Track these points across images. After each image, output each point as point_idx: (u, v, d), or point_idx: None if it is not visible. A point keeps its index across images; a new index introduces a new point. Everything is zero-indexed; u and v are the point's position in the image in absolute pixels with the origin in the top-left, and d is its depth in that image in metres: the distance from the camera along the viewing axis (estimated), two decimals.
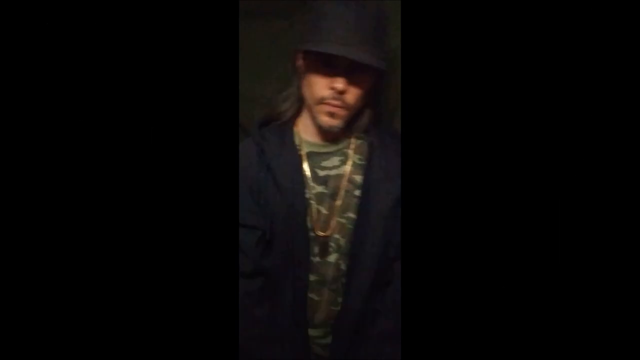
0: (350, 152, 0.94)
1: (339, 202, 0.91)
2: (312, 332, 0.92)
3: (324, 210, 0.91)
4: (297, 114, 0.95)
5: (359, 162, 0.93)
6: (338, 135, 0.93)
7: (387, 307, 0.91)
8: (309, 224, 0.90)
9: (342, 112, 0.88)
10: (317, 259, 0.91)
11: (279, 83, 1.20)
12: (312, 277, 0.91)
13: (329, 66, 0.84)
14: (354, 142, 0.94)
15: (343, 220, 0.91)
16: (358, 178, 0.93)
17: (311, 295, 0.91)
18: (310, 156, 0.93)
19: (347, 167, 0.93)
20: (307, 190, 0.91)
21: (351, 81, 0.85)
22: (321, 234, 0.90)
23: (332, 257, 0.91)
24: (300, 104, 0.93)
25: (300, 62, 0.89)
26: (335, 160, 0.93)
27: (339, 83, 0.84)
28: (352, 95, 0.86)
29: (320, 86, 0.86)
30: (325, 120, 0.88)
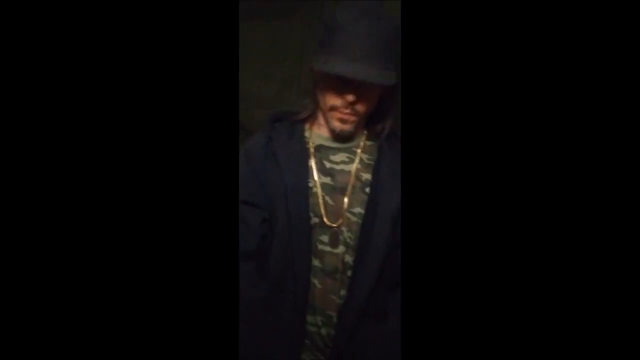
0: (359, 151, 0.97)
1: (346, 197, 0.94)
2: (309, 318, 0.93)
3: (330, 201, 0.93)
4: (311, 115, 0.99)
5: (367, 162, 0.97)
6: (349, 137, 0.97)
7: (397, 308, 0.90)
8: (312, 211, 0.93)
9: (353, 119, 0.93)
10: (327, 248, 0.93)
11: (279, 83, 1.21)
12: (315, 263, 0.93)
13: (340, 79, 0.87)
14: (363, 143, 0.98)
15: (350, 215, 0.93)
16: (366, 176, 0.96)
17: (313, 280, 0.92)
18: (319, 149, 0.97)
19: (355, 165, 0.96)
20: (310, 179, 0.94)
21: (362, 93, 0.90)
22: (330, 224, 0.92)
23: (339, 249, 0.92)
24: (315, 106, 0.98)
25: (314, 71, 0.93)
26: (342, 156, 0.97)
27: (350, 96, 0.89)
28: (363, 105, 0.91)
29: (332, 96, 0.91)
30: (337, 125, 0.94)
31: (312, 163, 0.96)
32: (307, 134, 0.99)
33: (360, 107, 0.91)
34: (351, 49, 0.85)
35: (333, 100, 0.91)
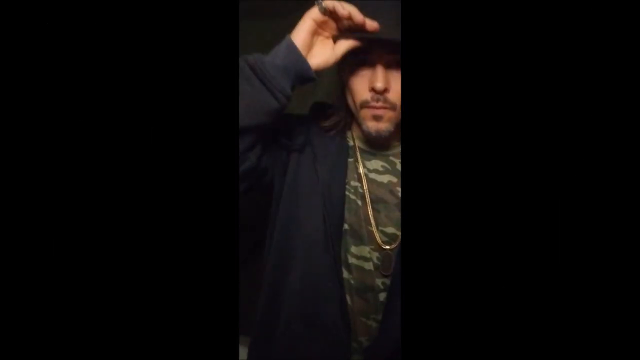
0: (397, 161, 0.86)
1: (377, 213, 0.84)
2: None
3: (361, 211, 0.83)
4: (341, 122, 0.88)
5: None
6: (389, 141, 0.86)
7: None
8: (346, 217, 0.83)
9: (388, 114, 0.81)
10: (356, 261, 0.83)
11: None
12: (345, 275, 0.83)
13: (366, 64, 0.80)
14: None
15: (379, 234, 0.83)
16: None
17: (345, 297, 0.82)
18: (356, 150, 0.87)
19: (389, 177, 0.85)
20: (347, 180, 0.84)
21: (392, 78, 0.80)
22: (382, 245, 0.82)
23: (369, 265, 0.83)
24: (345, 112, 0.87)
25: (341, 71, 0.85)
26: (377, 164, 0.86)
27: (379, 81, 0.78)
28: (396, 93, 0.80)
29: (361, 89, 0.81)
30: (372, 125, 0.82)
31: (349, 164, 0.85)
32: (348, 135, 0.88)
33: (393, 97, 0.80)
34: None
35: (362, 94, 0.80)
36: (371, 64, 0.80)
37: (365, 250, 0.84)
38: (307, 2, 1.17)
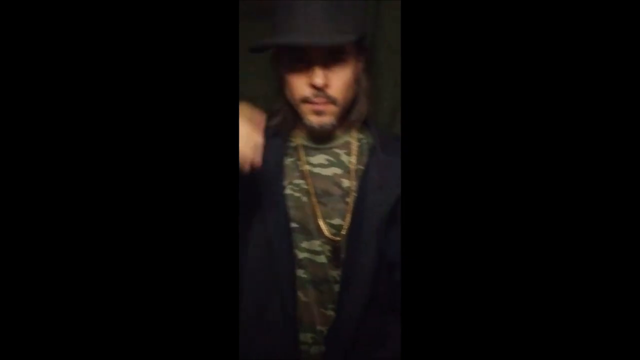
0: (342, 152, 0.88)
1: (321, 205, 0.85)
2: (301, 336, 0.86)
3: (307, 207, 0.85)
4: (285, 119, 0.88)
5: (350, 166, 0.87)
6: (333, 133, 0.87)
7: (396, 335, 0.83)
8: (291, 215, 0.84)
9: (330, 108, 0.82)
10: (308, 255, 0.85)
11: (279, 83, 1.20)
12: (300, 273, 0.85)
13: (303, 62, 0.79)
14: (352, 144, 0.88)
15: (326, 226, 0.85)
16: (347, 182, 0.86)
17: (299, 293, 0.85)
18: (297, 148, 0.87)
19: (335, 169, 0.87)
20: (287, 181, 0.85)
21: (331, 73, 0.80)
22: (331, 237, 0.84)
23: (321, 258, 0.85)
24: (287, 108, 0.87)
25: (276, 64, 0.84)
26: (321, 158, 0.88)
27: (318, 77, 0.78)
28: (336, 88, 0.81)
29: (300, 85, 0.81)
30: (313, 119, 0.82)
31: (289, 163, 0.86)
32: (291, 134, 0.88)
33: (334, 92, 0.80)
34: (304, 24, 0.76)
35: (302, 89, 0.80)
36: (308, 60, 0.79)
37: (316, 244, 0.86)
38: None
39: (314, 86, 0.79)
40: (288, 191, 0.86)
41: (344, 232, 0.85)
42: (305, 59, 0.79)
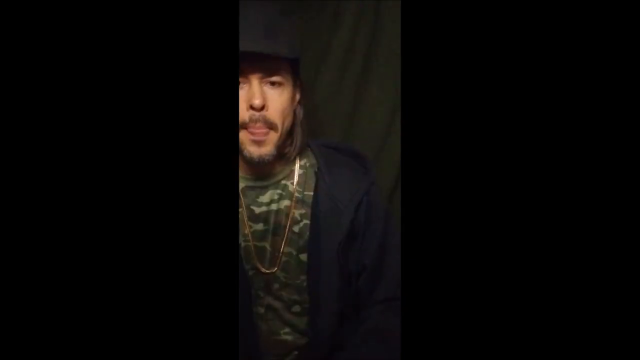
0: (289, 183, 0.88)
1: (279, 239, 0.87)
2: None
3: (268, 247, 0.87)
4: None
5: (299, 195, 0.87)
6: (274, 166, 0.86)
7: (356, 340, 0.86)
8: (250, 263, 0.86)
9: (269, 137, 0.80)
10: (261, 293, 0.88)
11: None
12: (260, 311, 0.88)
13: (242, 85, 0.78)
14: (295, 172, 0.88)
15: (285, 258, 0.87)
16: (299, 213, 0.87)
17: (259, 323, 0.88)
18: (245, 192, 0.86)
19: (286, 202, 0.87)
20: (242, 230, 0.85)
21: (269, 95, 0.79)
22: (264, 270, 0.87)
23: (277, 291, 0.88)
24: None
25: None
26: (272, 195, 0.87)
27: (256, 98, 0.77)
28: (274, 111, 0.79)
29: (240, 110, 0.78)
30: (253, 150, 0.80)
31: (243, 210, 0.85)
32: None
33: (272, 115, 0.79)
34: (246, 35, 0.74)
35: (241, 114, 0.78)
36: (247, 83, 0.79)
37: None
38: (307, 2, 1.17)
39: (252, 107, 0.78)
40: (246, 241, 0.87)
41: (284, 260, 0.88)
42: (245, 82, 0.78)
